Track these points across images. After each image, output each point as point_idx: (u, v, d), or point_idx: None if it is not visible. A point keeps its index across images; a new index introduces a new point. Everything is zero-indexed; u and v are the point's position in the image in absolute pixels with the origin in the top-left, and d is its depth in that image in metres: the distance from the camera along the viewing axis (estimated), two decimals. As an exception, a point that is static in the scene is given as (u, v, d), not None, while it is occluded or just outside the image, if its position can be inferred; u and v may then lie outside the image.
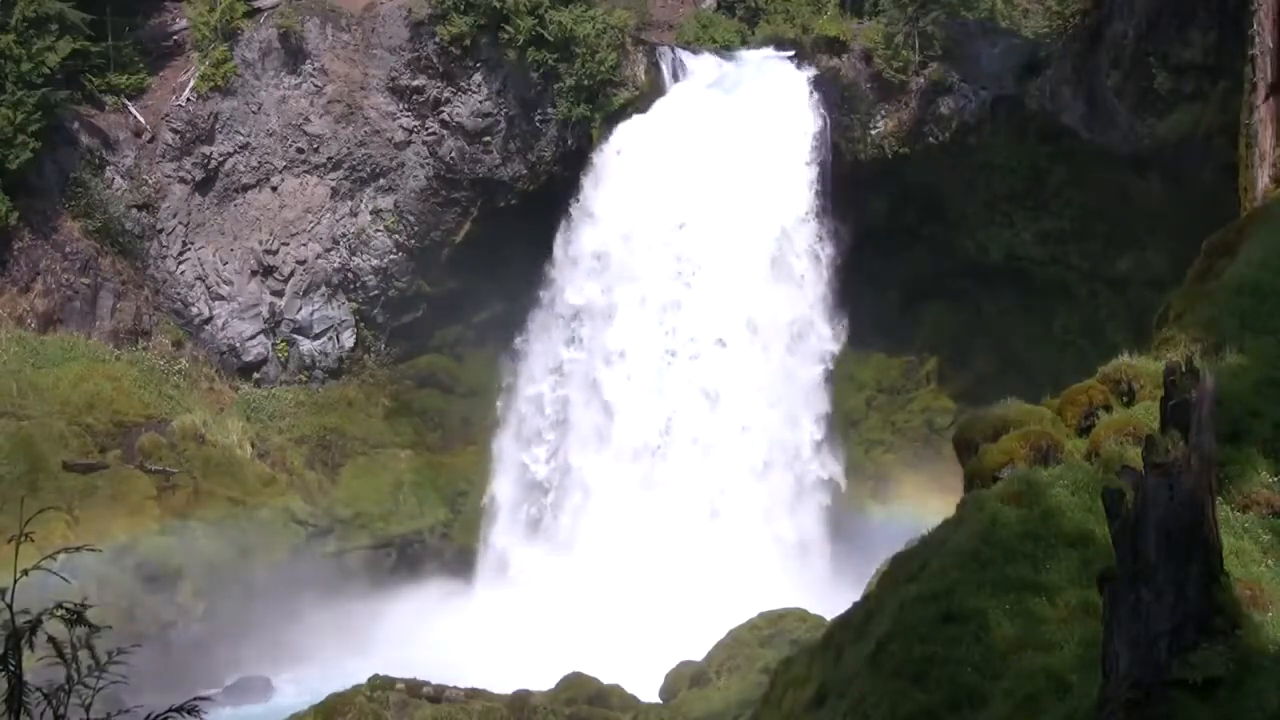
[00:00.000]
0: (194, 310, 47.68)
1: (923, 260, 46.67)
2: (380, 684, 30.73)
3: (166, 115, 47.11)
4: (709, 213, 44.97)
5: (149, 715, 6.49)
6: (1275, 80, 25.02)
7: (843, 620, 17.26)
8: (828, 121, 45.78)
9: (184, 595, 40.30)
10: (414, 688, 31.02)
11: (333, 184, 48.16)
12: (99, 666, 6.38)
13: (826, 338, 46.01)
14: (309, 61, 47.78)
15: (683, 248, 45.13)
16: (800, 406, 45.38)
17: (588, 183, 46.22)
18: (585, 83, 45.51)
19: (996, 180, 44.50)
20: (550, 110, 46.44)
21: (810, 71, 46.20)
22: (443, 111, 47.59)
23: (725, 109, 45.47)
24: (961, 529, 14.80)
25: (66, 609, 6.42)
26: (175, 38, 48.91)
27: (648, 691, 31.80)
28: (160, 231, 47.27)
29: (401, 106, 47.79)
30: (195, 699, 6.60)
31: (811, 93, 46.04)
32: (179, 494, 41.83)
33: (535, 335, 47.46)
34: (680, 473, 43.57)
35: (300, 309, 48.54)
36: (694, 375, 44.70)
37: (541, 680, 31.80)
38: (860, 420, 47.74)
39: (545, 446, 46.89)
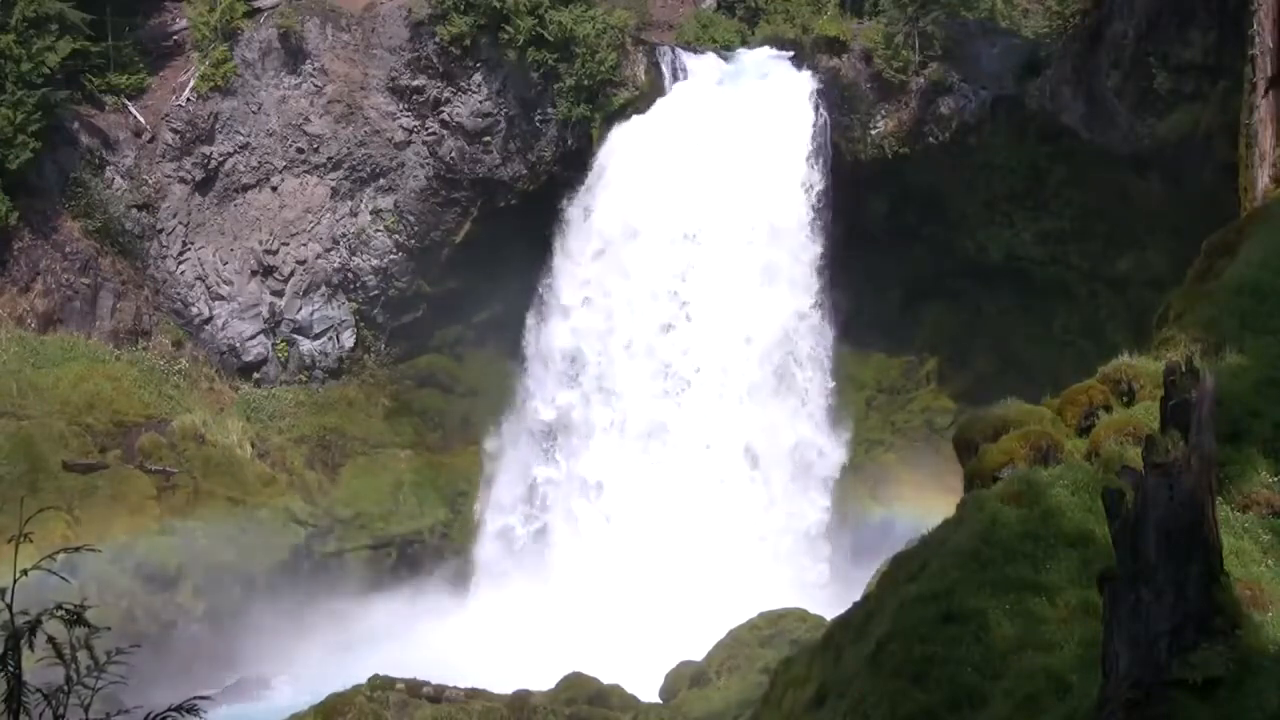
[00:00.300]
0: (194, 310, 47.67)
1: (923, 260, 46.62)
2: (380, 684, 30.72)
3: (166, 115, 47.10)
4: (699, 311, 40.89)
5: (149, 715, 6.48)
6: (1275, 79, 25.01)
7: (843, 620, 17.26)
8: (829, 179, 43.88)
9: (184, 595, 40.28)
10: (414, 688, 31.01)
11: (333, 184, 48.15)
12: (98, 667, 6.38)
13: (832, 461, 42.55)
14: (309, 61, 47.77)
15: (669, 355, 41.41)
16: (805, 551, 42.14)
17: (559, 251, 43.71)
18: (585, 83, 45.46)
19: (996, 180, 44.47)
20: (550, 110, 46.41)
21: (813, 82, 44.65)
22: (443, 111, 47.58)
23: (716, 164, 41.98)
24: (961, 529, 14.80)
25: (66, 610, 6.41)
26: (175, 38, 48.90)
27: (648, 691, 31.77)
28: (160, 231, 47.27)
29: (401, 106, 47.77)
30: (195, 699, 6.59)
31: (812, 150, 43.39)
32: (179, 494, 41.80)
33: (508, 439, 44.87)
34: (673, 640, 35.12)
35: (300, 309, 48.53)
36: (685, 522, 39.82)
37: (541, 680, 31.77)
38: (860, 420, 47.62)
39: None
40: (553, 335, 43.83)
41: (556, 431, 43.92)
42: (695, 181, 42.97)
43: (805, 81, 45.14)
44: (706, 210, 42.90)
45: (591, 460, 42.33)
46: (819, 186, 43.81)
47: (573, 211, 44.58)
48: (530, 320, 44.67)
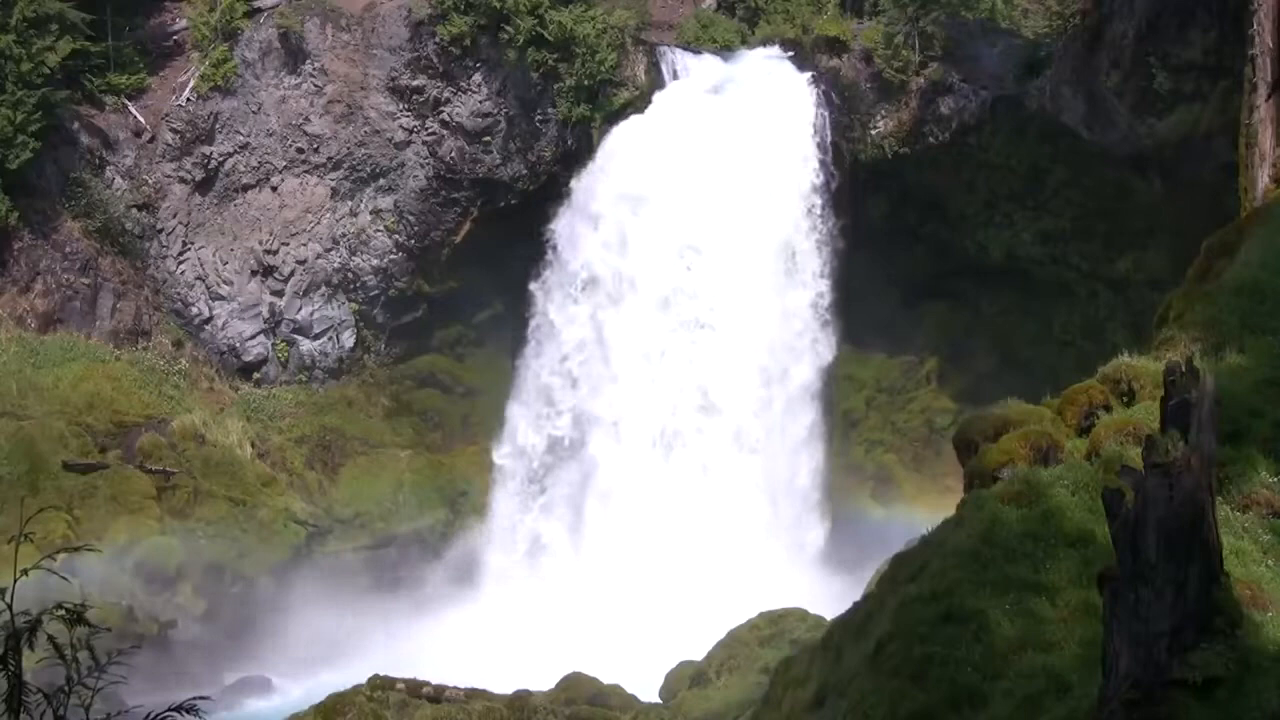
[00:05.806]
0: (194, 310, 47.67)
1: (923, 260, 46.62)
2: (380, 684, 30.69)
3: (166, 115, 47.10)
4: (700, 309, 41.15)
5: (149, 715, 6.48)
6: (1275, 80, 25.02)
7: (843, 620, 17.26)
8: (830, 179, 43.76)
9: (184, 595, 40.27)
10: (414, 688, 30.98)
11: (333, 184, 48.14)
12: (99, 667, 6.38)
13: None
14: (309, 61, 47.76)
15: (670, 353, 41.66)
16: (805, 550, 42.03)
17: (556, 252, 43.68)
18: (585, 83, 45.47)
19: (996, 180, 44.47)
20: (550, 110, 46.41)
21: (813, 82, 44.48)
22: (443, 111, 47.57)
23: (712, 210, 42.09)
24: (961, 529, 14.80)
25: (66, 609, 6.42)
26: (175, 38, 48.89)
27: (648, 691, 31.75)
28: (160, 231, 47.27)
29: (401, 106, 47.77)
30: (195, 699, 6.59)
31: (812, 150, 43.26)
32: (179, 494, 41.79)
33: (508, 444, 44.76)
34: (673, 640, 34.17)
35: (300, 309, 48.52)
36: (687, 522, 39.59)
37: (541, 680, 31.74)
38: (860, 420, 47.63)
39: None
40: (551, 341, 43.94)
41: (554, 443, 43.93)
42: (695, 181, 42.92)
43: (805, 82, 45.13)
44: (707, 210, 42.92)
45: (591, 470, 42.32)
46: (819, 187, 43.84)
47: (572, 211, 44.47)
48: (529, 323, 44.66)
